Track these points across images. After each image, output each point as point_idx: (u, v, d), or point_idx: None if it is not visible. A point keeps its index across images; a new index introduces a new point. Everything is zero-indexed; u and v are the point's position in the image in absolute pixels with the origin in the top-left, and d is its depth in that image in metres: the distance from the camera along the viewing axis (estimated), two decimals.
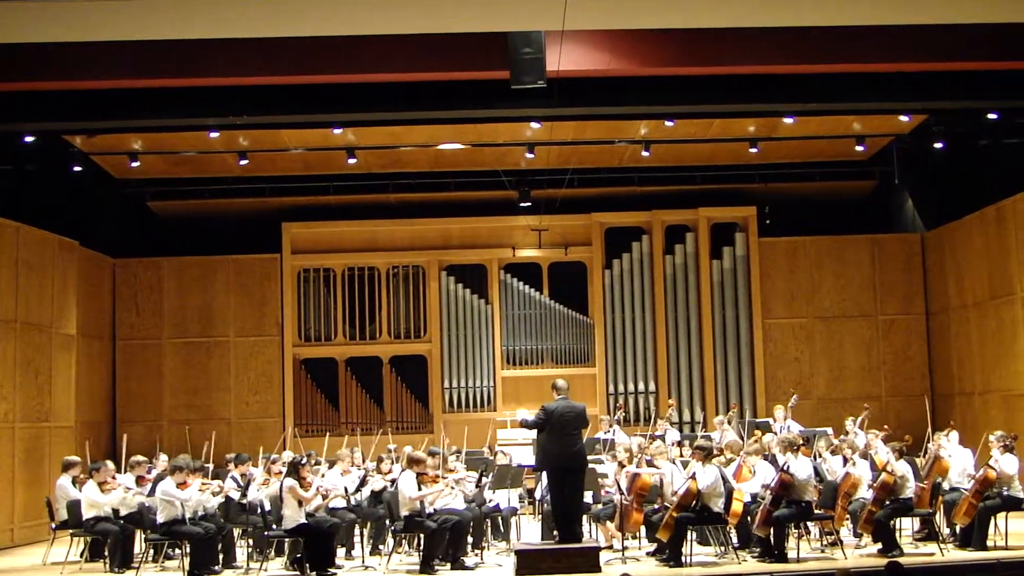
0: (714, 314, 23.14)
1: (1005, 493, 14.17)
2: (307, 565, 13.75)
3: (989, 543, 14.15)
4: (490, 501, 15.62)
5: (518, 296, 23.44)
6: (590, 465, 14.50)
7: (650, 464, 14.78)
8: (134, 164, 20.74)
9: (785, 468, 13.66)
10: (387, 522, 14.89)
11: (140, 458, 15.69)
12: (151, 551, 15.06)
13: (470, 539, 14.71)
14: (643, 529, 14.73)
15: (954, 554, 13.98)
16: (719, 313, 23.16)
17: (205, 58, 14.02)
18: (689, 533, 13.93)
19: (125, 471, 15.78)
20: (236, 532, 15.28)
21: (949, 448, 15.14)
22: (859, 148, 21.37)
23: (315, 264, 23.44)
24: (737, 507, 13.89)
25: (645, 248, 23.39)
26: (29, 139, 18.31)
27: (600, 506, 15.22)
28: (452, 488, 14.77)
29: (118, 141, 20.18)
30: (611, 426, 18.99)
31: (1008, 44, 14.09)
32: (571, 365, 23.09)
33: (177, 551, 14.92)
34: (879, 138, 21.64)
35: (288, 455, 16.07)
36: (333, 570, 13.90)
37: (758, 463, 14.54)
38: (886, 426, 16.66)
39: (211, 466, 17.07)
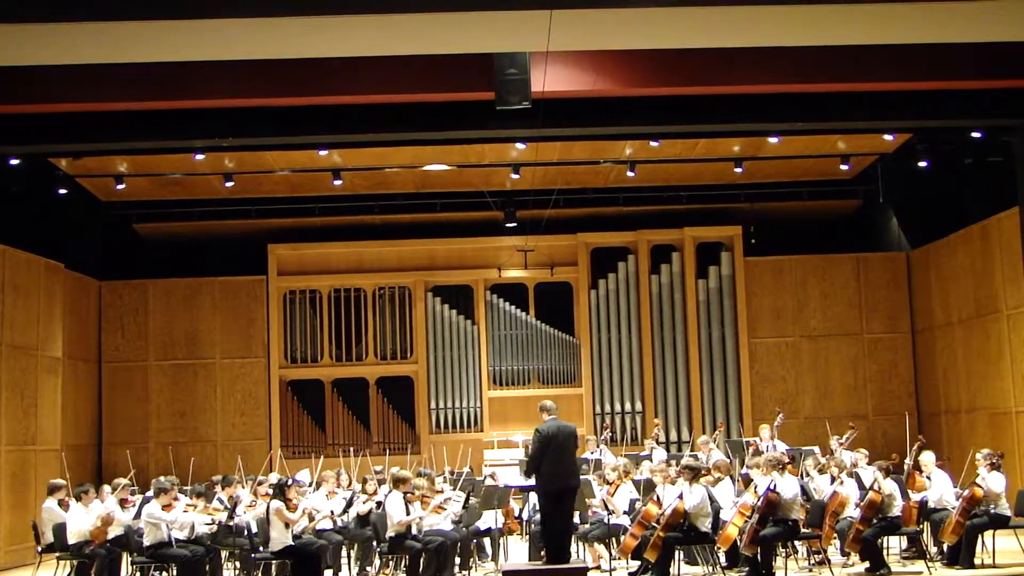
0: (700, 333, 23.16)
1: (992, 511, 14.17)
2: None
3: (976, 561, 14.17)
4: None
5: (504, 316, 23.44)
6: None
7: (650, 484, 14.82)
8: (120, 186, 20.75)
9: (773, 487, 13.66)
10: (374, 543, 14.88)
11: (123, 480, 15.61)
12: (138, 574, 14.99)
13: (457, 560, 14.70)
14: None
15: (942, 572, 14.00)
16: (705, 332, 23.18)
17: (190, 80, 14.01)
18: (677, 553, 13.93)
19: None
20: (223, 554, 15.24)
21: (928, 468, 15.11)
22: (844, 167, 21.47)
23: (301, 286, 23.42)
24: (732, 531, 13.83)
25: (631, 268, 23.42)
26: (14, 161, 18.28)
27: (588, 526, 15.20)
28: (443, 509, 14.79)
29: (103, 163, 20.18)
30: (598, 446, 19.01)
31: (992, 63, 14.15)
32: (557, 385, 23.09)
33: (164, 574, 14.87)
34: (864, 157, 21.72)
35: (274, 476, 16.05)
36: None
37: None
38: (864, 450, 16.66)
39: (198, 488, 17.03)
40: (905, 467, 15.51)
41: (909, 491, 14.71)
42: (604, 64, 14.17)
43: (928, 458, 15.12)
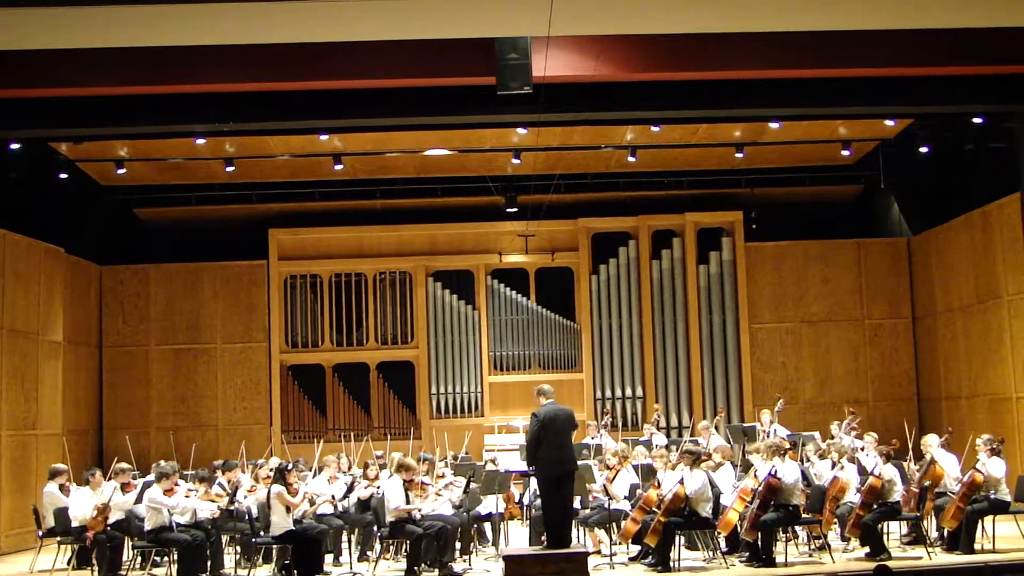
0: (701, 319, 23.14)
1: (992, 496, 14.19)
2: (295, 571, 13.75)
3: (976, 546, 14.18)
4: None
5: (505, 302, 23.43)
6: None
7: (650, 469, 14.83)
8: (120, 171, 20.70)
9: (773, 472, 13.66)
10: (374, 528, 14.89)
11: (124, 465, 15.60)
12: (139, 558, 15.01)
13: (458, 544, 14.71)
14: None
15: (942, 557, 14.01)
16: (706, 318, 23.16)
17: (191, 65, 14.00)
18: (677, 537, 13.94)
19: (109, 478, 15.71)
20: (224, 539, 15.25)
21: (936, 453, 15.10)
22: (845, 153, 21.43)
23: (302, 270, 23.40)
24: (733, 516, 13.84)
25: (632, 253, 23.40)
26: (14, 146, 18.25)
27: (588, 511, 15.21)
28: (439, 495, 14.81)
29: (104, 148, 20.14)
30: (598, 431, 19.01)
31: (992, 48, 14.13)
32: (558, 371, 23.09)
33: (165, 558, 14.89)
34: (865, 143, 21.68)
35: (275, 461, 16.05)
36: None
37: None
38: (874, 433, 16.66)
39: (201, 473, 17.04)
40: (916, 454, 15.48)
41: (926, 481, 14.65)
42: (605, 49, 14.16)
43: (932, 440, 15.09)
